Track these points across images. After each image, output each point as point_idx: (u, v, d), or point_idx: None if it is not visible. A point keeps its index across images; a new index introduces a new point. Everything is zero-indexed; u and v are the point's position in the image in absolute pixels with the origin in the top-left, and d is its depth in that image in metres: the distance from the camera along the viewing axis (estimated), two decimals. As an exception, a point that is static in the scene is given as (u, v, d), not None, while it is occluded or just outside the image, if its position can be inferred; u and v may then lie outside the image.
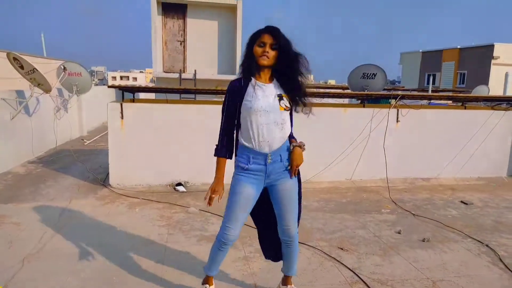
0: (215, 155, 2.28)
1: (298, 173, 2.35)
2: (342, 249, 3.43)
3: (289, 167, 2.25)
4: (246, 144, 2.18)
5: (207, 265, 2.48)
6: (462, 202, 4.97)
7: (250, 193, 2.22)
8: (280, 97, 2.15)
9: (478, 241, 3.70)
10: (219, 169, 2.28)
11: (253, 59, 2.11)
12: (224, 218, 2.30)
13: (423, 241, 3.66)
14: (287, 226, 2.32)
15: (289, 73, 2.13)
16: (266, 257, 2.69)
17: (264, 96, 2.12)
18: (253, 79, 2.16)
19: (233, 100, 2.17)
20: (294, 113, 2.28)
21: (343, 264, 3.14)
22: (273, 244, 2.54)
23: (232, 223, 2.25)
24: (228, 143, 2.25)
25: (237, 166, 2.27)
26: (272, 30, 2.09)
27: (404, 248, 3.50)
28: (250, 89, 2.14)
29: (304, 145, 2.22)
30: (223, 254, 2.38)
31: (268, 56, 2.08)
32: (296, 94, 2.18)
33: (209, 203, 2.27)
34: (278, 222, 2.35)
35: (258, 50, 2.09)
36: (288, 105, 2.16)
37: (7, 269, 2.89)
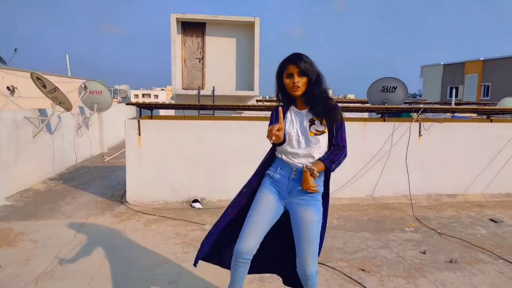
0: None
1: (326, 199, 2.28)
2: (363, 270, 3.26)
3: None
4: (279, 155, 2.25)
5: (229, 284, 2.35)
6: (491, 220, 4.70)
7: (270, 199, 2.21)
8: (312, 122, 2.17)
9: (511, 262, 3.46)
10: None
11: (285, 90, 2.19)
12: (243, 226, 2.21)
13: (451, 262, 3.45)
14: (303, 261, 2.15)
15: (316, 97, 2.15)
16: (286, 283, 2.55)
17: (299, 122, 2.20)
18: (291, 106, 2.26)
19: (275, 120, 2.19)
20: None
21: (364, 286, 2.98)
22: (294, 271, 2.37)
23: (248, 232, 2.15)
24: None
25: (265, 175, 2.31)
26: (295, 60, 2.12)
27: (430, 270, 3.30)
28: (287, 114, 2.24)
29: (313, 170, 2.10)
30: (242, 271, 2.23)
31: (299, 86, 2.13)
32: (328, 115, 2.16)
33: (271, 136, 1.99)
34: (297, 253, 2.19)
35: (288, 82, 2.15)
36: (320, 129, 2.16)
37: (22, 287, 2.87)
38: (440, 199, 5.53)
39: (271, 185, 2.24)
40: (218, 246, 2.45)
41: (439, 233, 4.21)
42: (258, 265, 2.39)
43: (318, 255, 2.24)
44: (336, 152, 2.19)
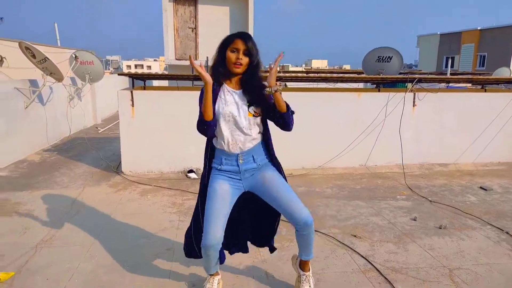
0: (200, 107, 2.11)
1: (278, 165, 2.29)
2: (355, 236, 3.36)
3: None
4: (218, 146, 2.19)
5: (206, 269, 2.38)
6: (481, 188, 4.81)
7: (226, 188, 2.17)
8: (250, 104, 2.11)
9: (498, 228, 3.57)
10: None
11: (225, 65, 2.09)
12: (204, 222, 2.13)
13: (440, 228, 3.56)
14: (297, 211, 2.14)
15: (255, 82, 2.10)
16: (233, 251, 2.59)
17: (234, 102, 2.11)
18: (224, 84, 2.15)
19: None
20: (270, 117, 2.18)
21: (356, 251, 3.07)
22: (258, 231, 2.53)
23: (211, 226, 2.09)
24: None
25: (211, 169, 2.25)
26: (245, 36, 2.06)
27: (419, 236, 3.40)
28: (221, 93, 2.13)
29: (278, 88, 2.03)
30: (214, 258, 2.23)
31: (241, 63, 2.06)
32: (262, 103, 2.12)
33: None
34: (285, 212, 2.19)
35: (231, 56, 2.05)
36: (257, 111, 2.13)
37: (21, 255, 2.93)
38: (432, 168, 5.62)
39: (222, 175, 2.20)
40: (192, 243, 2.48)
41: (430, 201, 4.30)
42: (231, 245, 2.51)
43: None
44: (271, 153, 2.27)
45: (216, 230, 2.09)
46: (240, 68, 2.07)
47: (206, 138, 2.24)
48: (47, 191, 4.47)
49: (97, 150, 6.46)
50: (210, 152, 2.27)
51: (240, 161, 2.18)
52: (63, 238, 3.24)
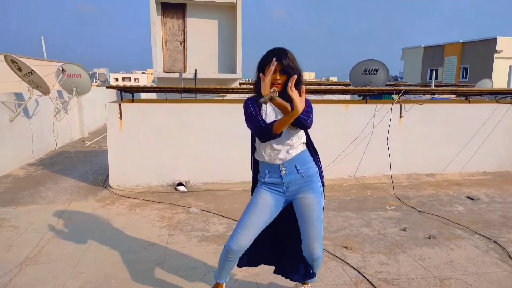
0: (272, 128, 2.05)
1: (323, 186, 2.29)
2: (346, 247, 3.35)
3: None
4: (260, 159, 2.23)
5: (216, 272, 2.36)
6: (468, 197, 4.88)
7: (267, 200, 2.19)
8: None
9: (486, 237, 3.61)
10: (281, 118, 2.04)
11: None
12: (237, 225, 2.21)
13: (429, 238, 3.58)
14: (311, 247, 2.22)
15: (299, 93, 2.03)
16: (278, 273, 2.56)
17: (273, 113, 2.15)
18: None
19: (257, 111, 2.12)
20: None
21: (347, 263, 3.06)
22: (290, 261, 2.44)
23: (243, 229, 2.16)
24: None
25: (258, 181, 2.29)
26: (280, 55, 2.04)
27: (409, 246, 3.42)
28: (264, 106, 2.17)
29: (274, 93, 1.98)
30: (230, 265, 2.27)
31: (279, 83, 2.06)
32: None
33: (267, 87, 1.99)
34: (302, 240, 2.26)
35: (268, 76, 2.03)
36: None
37: (5, 273, 2.84)
38: (420, 179, 5.68)
39: (266, 187, 2.22)
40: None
41: (419, 211, 4.34)
42: (253, 258, 2.45)
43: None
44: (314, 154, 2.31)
45: (243, 237, 2.15)
46: (278, 86, 2.05)
47: (249, 153, 2.35)
48: (32, 206, 4.37)
49: (84, 164, 6.37)
50: (254, 166, 2.33)
51: (283, 172, 2.17)
52: (49, 255, 3.15)
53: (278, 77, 2.05)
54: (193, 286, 2.70)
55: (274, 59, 1.98)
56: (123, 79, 67.50)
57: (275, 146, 2.15)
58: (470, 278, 2.86)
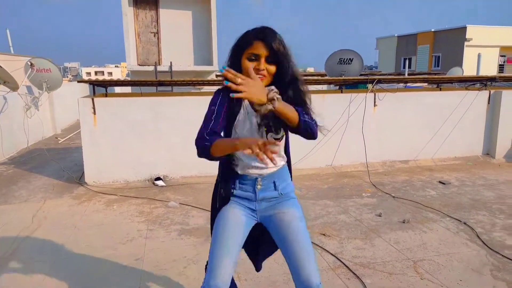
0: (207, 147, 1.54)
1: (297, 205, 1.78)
2: (324, 234, 3.43)
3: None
4: (232, 167, 1.73)
5: None
6: (440, 182, 5.05)
7: (238, 217, 1.71)
8: (268, 130, 1.61)
9: (456, 219, 3.77)
10: (225, 140, 1.52)
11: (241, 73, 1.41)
12: (209, 259, 1.66)
13: (403, 222, 3.70)
14: (304, 272, 1.60)
15: (292, 98, 1.58)
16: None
17: (251, 124, 1.61)
18: (245, 101, 1.61)
19: (226, 111, 1.59)
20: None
21: (325, 249, 3.14)
22: None
23: (220, 262, 1.61)
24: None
25: (219, 196, 1.78)
26: (267, 36, 1.51)
27: (385, 231, 3.53)
28: (241, 113, 1.62)
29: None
30: None
31: (264, 75, 1.54)
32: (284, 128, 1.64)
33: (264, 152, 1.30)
34: (292, 269, 1.65)
35: (249, 65, 1.51)
36: (282, 135, 1.66)
37: (-23, 275, 2.77)
38: (394, 165, 5.84)
39: (234, 204, 1.73)
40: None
41: (393, 197, 4.47)
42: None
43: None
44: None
45: (225, 270, 1.60)
46: (264, 79, 1.54)
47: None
48: (4, 206, 4.25)
49: (58, 161, 6.21)
50: (223, 172, 1.77)
51: (258, 186, 1.71)
52: (25, 254, 3.09)
53: (262, 66, 1.52)
54: (173, 279, 2.71)
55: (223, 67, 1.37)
56: (96, 73, 65.75)
57: (256, 160, 1.63)
58: (442, 258, 2.99)
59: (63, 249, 3.18)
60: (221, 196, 1.77)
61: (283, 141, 1.71)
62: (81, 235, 3.45)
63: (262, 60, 1.51)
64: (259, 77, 1.49)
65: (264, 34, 1.51)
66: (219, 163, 1.76)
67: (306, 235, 1.69)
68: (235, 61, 1.56)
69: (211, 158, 1.53)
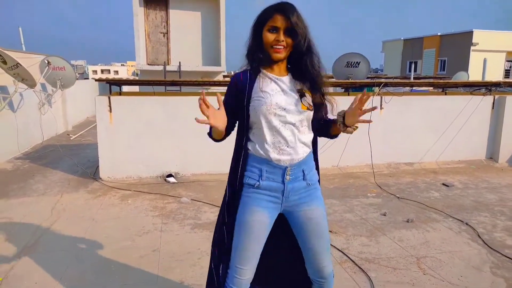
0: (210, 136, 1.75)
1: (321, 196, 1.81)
2: (331, 231, 3.57)
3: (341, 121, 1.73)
4: (258, 154, 1.65)
5: None
6: (443, 184, 5.18)
7: (262, 221, 1.67)
8: (302, 93, 1.66)
9: (459, 220, 3.90)
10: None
11: (262, 48, 1.62)
12: (232, 258, 1.71)
13: (407, 221, 3.84)
14: (321, 265, 1.76)
15: (308, 66, 1.66)
16: None
17: (280, 91, 1.64)
18: (262, 72, 1.67)
19: (235, 96, 1.67)
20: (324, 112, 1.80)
21: (332, 245, 3.28)
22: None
23: (244, 263, 1.67)
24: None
25: (244, 184, 1.69)
26: (286, 9, 1.58)
27: (389, 229, 3.67)
28: (260, 83, 1.65)
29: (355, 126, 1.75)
30: None
31: (284, 46, 1.60)
32: (319, 89, 1.70)
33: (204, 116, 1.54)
34: (307, 259, 1.78)
35: (269, 37, 1.59)
36: (311, 104, 1.68)
37: (6, 261, 2.94)
38: (399, 167, 5.97)
39: (258, 201, 1.66)
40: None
41: (398, 197, 4.61)
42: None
43: None
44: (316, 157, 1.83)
45: (247, 271, 1.69)
46: (282, 52, 1.60)
47: (234, 143, 1.77)
48: (24, 198, 4.43)
49: (71, 157, 6.40)
50: (243, 161, 1.69)
51: (287, 177, 1.65)
52: (47, 244, 3.26)
53: (281, 38, 1.58)
54: (189, 268, 2.87)
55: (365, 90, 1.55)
56: (102, 71, 66.24)
57: (288, 136, 1.63)
58: (444, 256, 3.13)
59: (83, 239, 3.35)
60: (241, 186, 1.69)
61: (310, 118, 1.70)
62: (99, 227, 3.62)
63: (281, 32, 1.58)
64: (278, 48, 1.59)
65: (284, 8, 1.58)
66: (242, 149, 1.70)
67: (327, 232, 1.78)
68: (256, 36, 1.63)
69: (217, 140, 1.70)
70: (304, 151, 1.68)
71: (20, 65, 5.83)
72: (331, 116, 1.82)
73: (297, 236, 1.78)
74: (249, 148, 1.68)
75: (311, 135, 1.74)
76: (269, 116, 1.60)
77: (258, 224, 1.66)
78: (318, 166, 1.83)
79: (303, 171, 1.68)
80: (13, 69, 5.96)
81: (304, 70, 1.65)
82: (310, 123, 1.72)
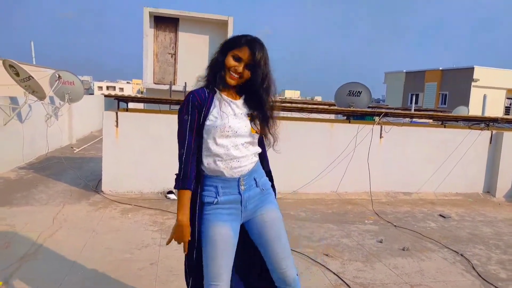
0: (177, 188, 1.77)
1: (273, 186, 2.01)
2: (327, 255, 3.62)
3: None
4: (211, 173, 1.77)
5: None
6: (440, 215, 5.24)
7: (227, 235, 1.76)
8: (252, 117, 1.80)
9: (454, 251, 3.95)
10: (184, 206, 1.74)
11: (223, 70, 1.74)
12: (205, 276, 1.76)
13: (403, 249, 3.89)
14: (283, 269, 1.84)
15: (263, 99, 1.79)
16: None
17: (233, 114, 1.76)
18: (218, 92, 1.78)
19: (197, 114, 1.76)
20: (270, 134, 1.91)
21: (328, 268, 3.33)
22: None
23: (216, 279, 1.72)
24: (194, 170, 1.77)
25: (202, 204, 1.79)
26: (254, 46, 1.71)
27: (385, 256, 3.71)
28: (216, 103, 1.76)
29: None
30: None
31: (240, 76, 1.73)
32: (266, 116, 1.83)
33: (185, 251, 1.78)
34: (270, 266, 1.86)
35: (231, 62, 1.72)
36: (259, 127, 1.83)
37: (6, 267, 2.99)
38: (397, 196, 6.04)
39: (219, 216, 1.76)
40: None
41: (395, 226, 4.66)
42: None
43: None
44: (268, 169, 2.00)
45: (224, 281, 1.74)
46: (235, 80, 1.74)
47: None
48: (26, 207, 4.50)
49: (74, 170, 6.49)
50: (200, 182, 1.80)
51: (242, 187, 1.79)
52: (47, 252, 3.31)
53: (240, 69, 1.71)
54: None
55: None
56: (107, 88, 67.21)
57: (238, 153, 1.76)
58: (438, 285, 3.17)
59: (83, 250, 3.40)
60: (202, 205, 1.79)
61: (255, 144, 1.84)
62: (99, 239, 3.68)
63: (243, 64, 1.71)
64: (233, 75, 1.72)
65: (253, 44, 1.71)
66: (196, 173, 1.79)
67: (285, 234, 1.89)
68: (222, 54, 1.75)
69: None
70: (252, 161, 1.82)
71: (32, 77, 6.01)
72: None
73: (257, 245, 1.87)
74: (203, 169, 1.80)
75: (258, 148, 1.88)
76: (221, 137, 1.73)
77: (221, 237, 1.74)
78: (270, 172, 2.00)
79: (254, 179, 1.83)
80: (25, 81, 6.15)
81: (256, 101, 1.79)
82: (257, 141, 1.87)
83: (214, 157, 1.75)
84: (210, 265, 1.74)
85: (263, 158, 1.96)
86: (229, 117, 1.74)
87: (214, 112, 1.74)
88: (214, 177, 1.77)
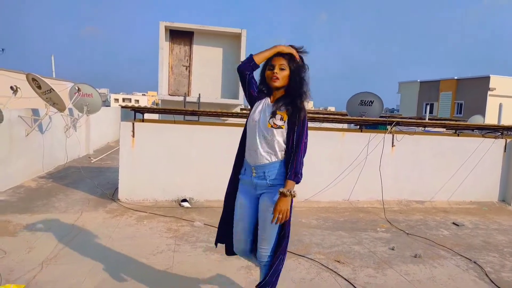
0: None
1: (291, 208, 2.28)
2: (338, 261, 3.66)
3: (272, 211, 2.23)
4: (246, 155, 2.38)
5: None
6: (454, 223, 5.21)
7: (242, 204, 2.39)
8: (274, 114, 2.20)
9: (467, 258, 3.93)
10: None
11: (266, 83, 2.29)
12: (234, 232, 2.49)
13: (415, 257, 3.89)
14: (259, 246, 2.37)
15: (293, 94, 2.23)
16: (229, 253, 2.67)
17: (262, 110, 2.27)
18: (268, 98, 2.32)
19: (252, 92, 2.35)
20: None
21: (339, 274, 3.37)
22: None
23: (235, 235, 2.46)
24: None
25: (239, 178, 2.47)
26: (281, 52, 2.23)
27: (396, 263, 3.73)
28: (262, 101, 2.31)
29: (290, 192, 2.16)
30: (250, 259, 2.63)
31: (278, 77, 2.20)
32: (293, 112, 2.20)
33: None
34: (256, 245, 2.43)
35: (268, 74, 2.24)
36: (278, 124, 2.19)
37: (29, 271, 3.12)
38: (410, 205, 6.02)
39: (241, 188, 2.41)
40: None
41: (407, 233, 4.66)
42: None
43: (280, 246, 2.32)
44: (294, 162, 2.19)
45: (240, 243, 2.46)
46: (277, 81, 2.20)
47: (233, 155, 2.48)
48: (46, 215, 4.67)
49: (92, 179, 6.68)
50: (238, 160, 2.44)
51: (253, 173, 2.31)
52: (67, 257, 3.45)
53: (276, 71, 2.21)
54: (201, 287, 3.00)
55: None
56: (123, 99, 68.51)
57: (256, 143, 2.24)
58: (449, 291, 3.17)
59: (100, 255, 3.52)
60: (233, 178, 2.47)
61: (279, 135, 2.22)
62: (116, 245, 3.80)
63: (276, 67, 2.21)
64: (273, 79, 2.21)
65: (280, 52, 2.25)
66: (236, 155, 2.44)
67: (269, 225, 2.25)
68: (262, 72, 2.30)
69: (251, 66, 2.26)
70: (266, 158, 2.25)
71: (53, 90, 6.26)
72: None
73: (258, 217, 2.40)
74: (245, 155, 2.37)
75: (280, 149, 2.24)
76: (249, 126, 2.30)
77: (240, 205, 2.41)
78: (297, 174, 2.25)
79: (264, 172, 2.27)
80: (46, 93, 6.40)
81: (290, 97, 2.25)
82: (280, 140, 2.23)
83: (246, 144, 2.36)
84: (234, 225, 2.44)
85: (290, 162, 2.25)
86: (256, 112, 2.29)
87: (254, 106, 2.35)
88: (245, 160, 2.37)
